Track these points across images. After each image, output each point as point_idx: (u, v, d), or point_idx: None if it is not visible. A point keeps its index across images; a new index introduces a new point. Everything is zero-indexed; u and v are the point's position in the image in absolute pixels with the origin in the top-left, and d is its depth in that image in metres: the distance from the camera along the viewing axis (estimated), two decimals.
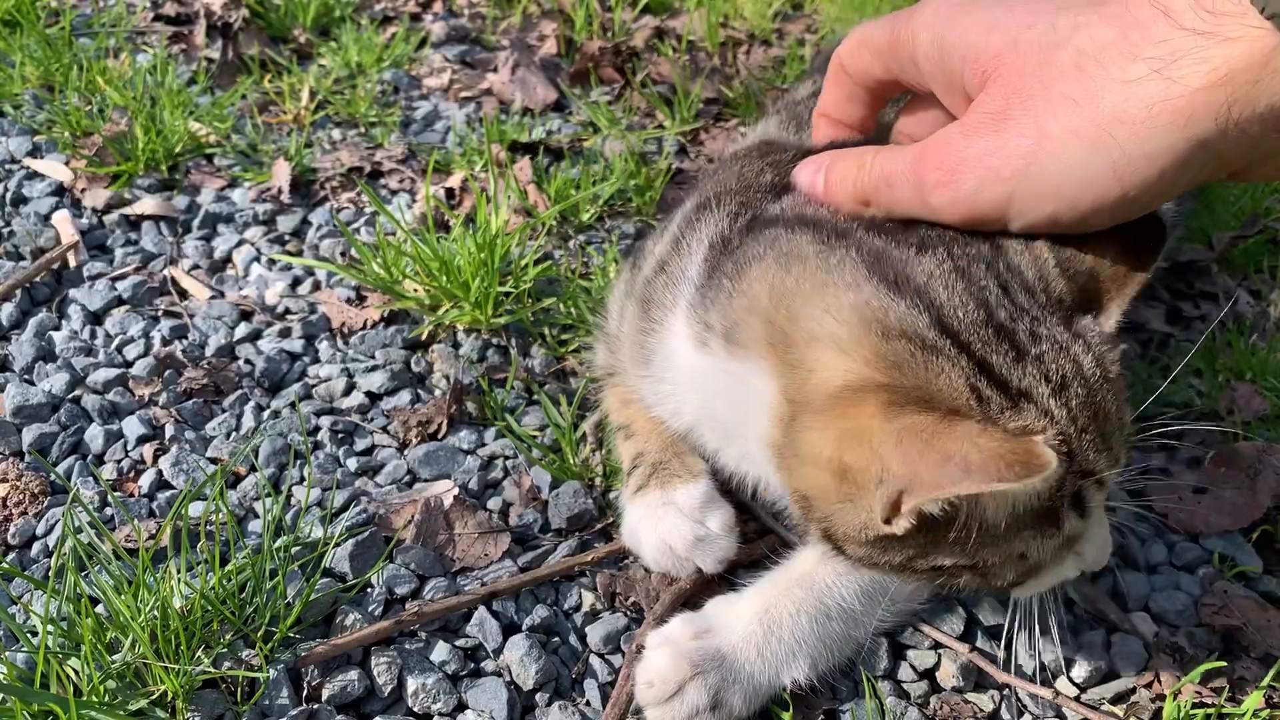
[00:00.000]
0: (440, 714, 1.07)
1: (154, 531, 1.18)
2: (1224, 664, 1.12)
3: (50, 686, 0.99)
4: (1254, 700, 1.07)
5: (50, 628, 1.01)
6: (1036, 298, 0.91)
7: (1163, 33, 0.79)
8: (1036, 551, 0.89)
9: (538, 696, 1.10)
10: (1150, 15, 0.80)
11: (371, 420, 1.41)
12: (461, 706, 1.08)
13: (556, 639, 1.15)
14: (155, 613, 1.04)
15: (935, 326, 0.86)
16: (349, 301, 1.59)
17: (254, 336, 1.53)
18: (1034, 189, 0.87)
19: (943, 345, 0.85)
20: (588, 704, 1.10)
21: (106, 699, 1.00)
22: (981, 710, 1.10)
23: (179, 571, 1.07)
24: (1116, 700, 1.13)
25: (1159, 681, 1.14)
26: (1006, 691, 1.13)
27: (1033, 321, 0.88)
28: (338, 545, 1.18)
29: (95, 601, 1.09)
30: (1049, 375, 0.86)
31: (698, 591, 1.17)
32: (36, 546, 1.21)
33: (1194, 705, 1.09)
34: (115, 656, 1.02)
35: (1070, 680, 1.15)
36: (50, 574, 1.06)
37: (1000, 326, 0.87)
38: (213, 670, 1.03)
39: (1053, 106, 0.84)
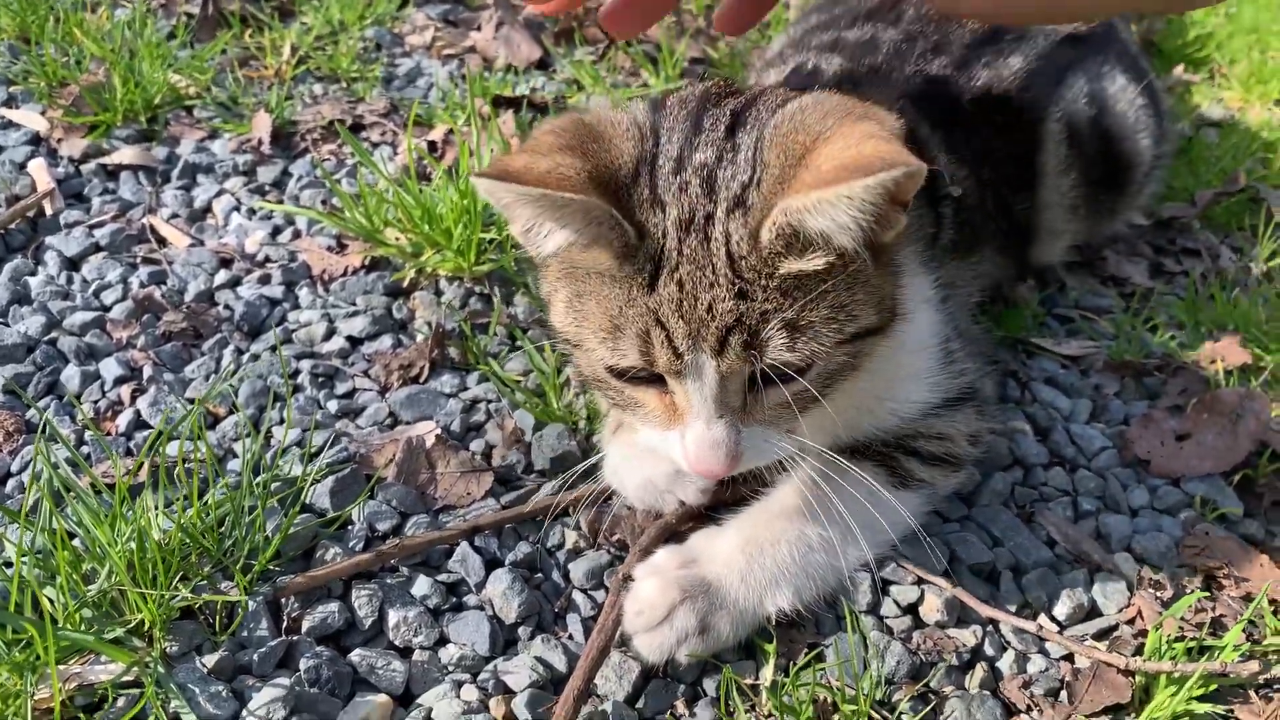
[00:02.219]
0: (422, 647, 1.06)
1: (131, 467, 1.17)
2: (1206, 593, 1.12)
3: (25, 614, 0.97)
4: (1234, 634, 1.08)
5: (25, 559, 1.00)
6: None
7: None
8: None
9: (520, 630, 1.09)
10: None
11: (352, 364, 1.39)
12: (443, 640, 1.07)
13: (539, 575, 1.14)
14: (132, 543, 1.02)
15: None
16: (330, 249, 1.58)
17: (233, 283, 1.52)
18: None
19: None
20: (570, 637, 1.09)
21: (82, 627, 0.98)
22: (964, 645, 1.10)
23: (157, 506, 1.06)
24: (1099, 636, 1.13)
25: (1141, 617, 1.14)
26: (990, 627, 1.13)
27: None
28: (318, 481, 1.16)
29: (71, 536, 1.08)
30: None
31: (681, 527, 1.16)
32: (11, 483, 1.20)
33: (1176, 638, 1.09)
34: (92, 586, 1.01)
35: (1052, 618, 1.15)
36: (23, 508, 1.04)
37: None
38: (191, 597, 1.01)
39: None
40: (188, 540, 1.06)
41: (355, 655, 1.03)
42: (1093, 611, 1.17)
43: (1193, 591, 1.16)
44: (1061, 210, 1.53)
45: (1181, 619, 1.12)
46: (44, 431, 1.21)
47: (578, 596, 1.13)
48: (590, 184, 0.90)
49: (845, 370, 0.98)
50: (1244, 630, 1.11)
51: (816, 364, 0.94)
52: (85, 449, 1.23)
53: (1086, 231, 1.66)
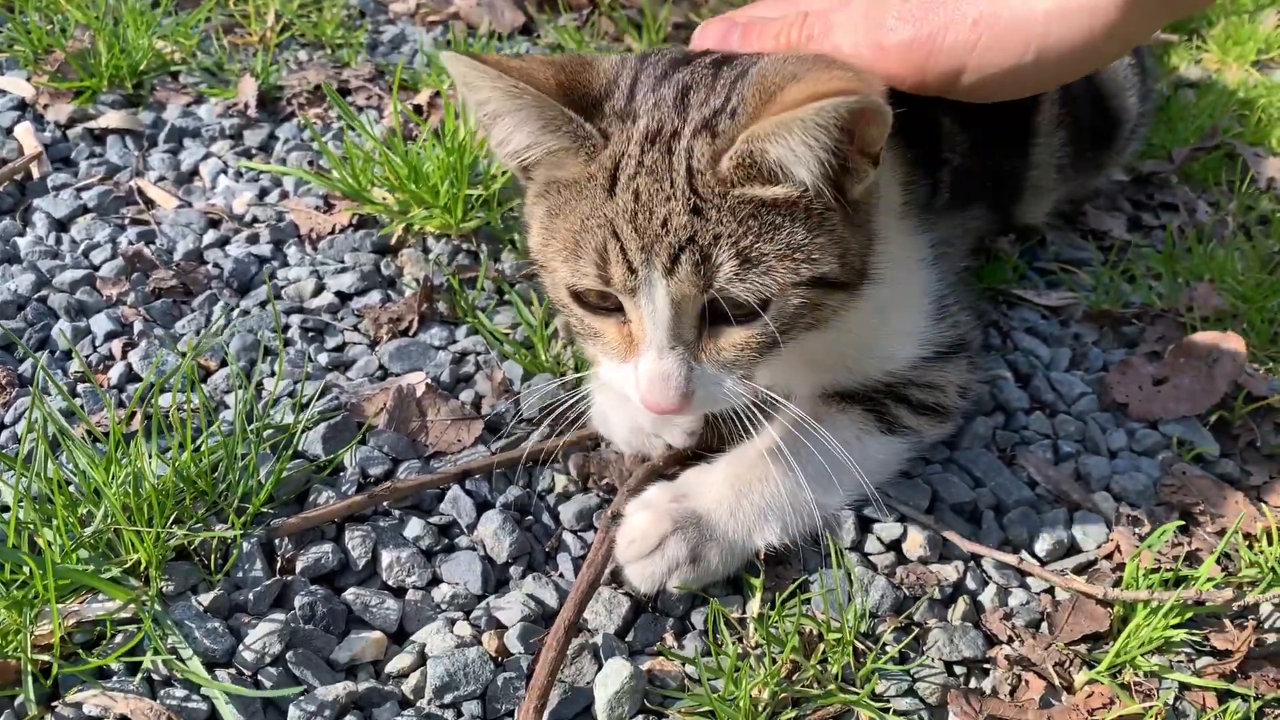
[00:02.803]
0: (415, 586, 1.08)
1: (124, 416, 1.18)
2: (1182, 523, 1.15)
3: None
4: (1208, 565, 1.10)
5: (22, 503, 1.01)
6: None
7: None
8: None
9: (511, 569, 1.11)
10: None
11: (342, 319, 1.41)
12: (436, 580, 1.09)
13: (530, 518, 1.16)
14: (128, 486, 1.04)
15: None
16: (317, 209, 1.59)
17: (222, 242, 1.53)
18: (1003, 36, 0.92)
19: None
20: (561, 576, 1.11)
21: (79, 567, 1.00)
22: (946, 580, 1.13)
23: (150, 452, 1.07)
24: (1079, 571, 1.16)
25: (1119, 552, 1.17)
26: (972, 562, 1.15)
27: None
28: (309, 429, 1.18)
29: (68, 483, 1.09)
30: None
31: (669, 470, 1.18)
32: (4, 435, 1.21)
33: (1152, 569, 1.11)
34: (88, 528, 1.02)
35: (1033, 554, 1.18)
36: (19, 454, 1.05)
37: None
38: (188, 534, 1.03)
39: None
40: (182, 484, 1.07)
41: (349, 594, 1.05)
42: (1072, 548, 1.19)
43: (1169, 524, 1.18)
44: (1050, 168, 1.54)
45: (1159, 553, 1.14)
46: (38, 382, 1.22)
47: (568, 537, 1.15)
48: (556, 89, 0.94)
49: (802, 319, 0.97)
50: (1219, 563, 1.13)
51: (771, 304, 0.94)
52: (78, 400, 1.24)
53: (1072, 189, 1.68)
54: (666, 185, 0.91)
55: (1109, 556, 1.17)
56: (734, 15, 1.07)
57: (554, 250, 0.97)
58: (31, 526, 1.01)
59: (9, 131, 1.70)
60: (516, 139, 0.95)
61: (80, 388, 1.26)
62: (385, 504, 1.14)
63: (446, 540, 1.13)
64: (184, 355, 1.30)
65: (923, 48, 0.96)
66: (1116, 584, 1.12)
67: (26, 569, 0.96)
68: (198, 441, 1.10)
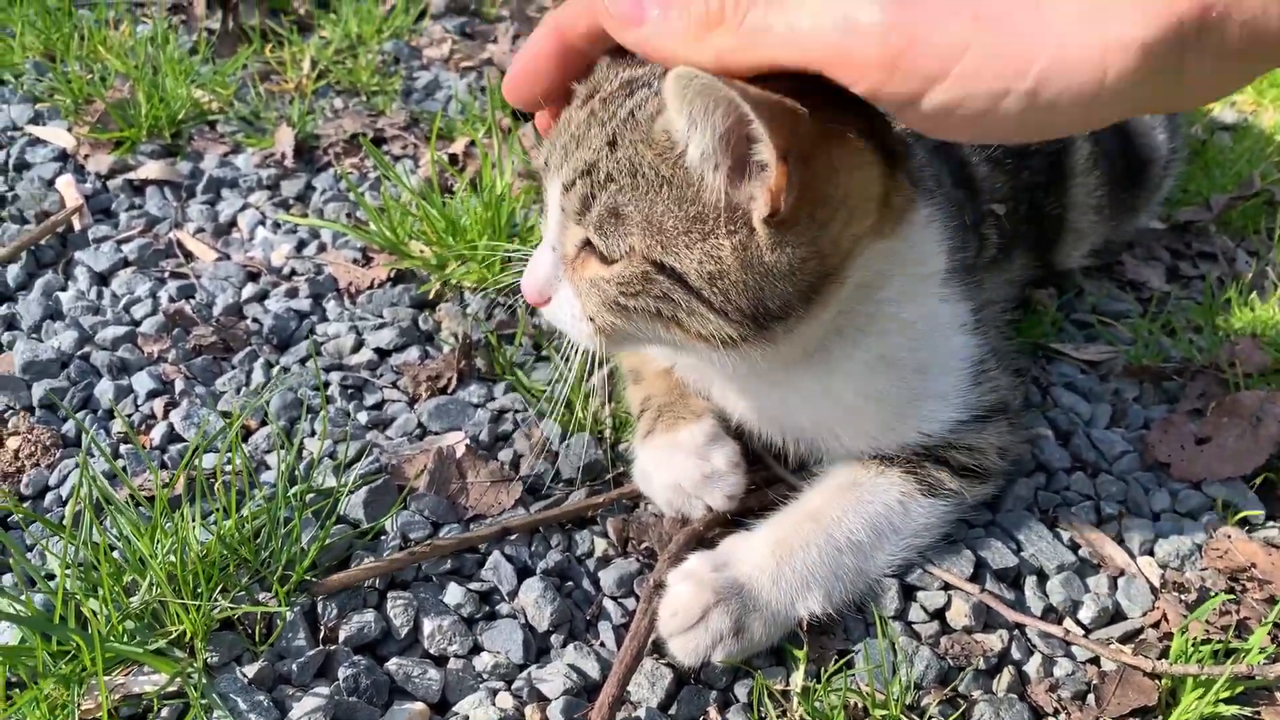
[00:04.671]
0: (456, 655, 1.08)
1: (168, 480, 1.19)
2: (1231, 596, 1.13)
3: (69, 626, 0.99)
4: (1259, 636, 1.09)
5: (69, 571, 1.02)
6: None
7: None
8: None
9: (553, 638, 1.11)
10: None
11: (381, 376, 1.41)
12: (478, 648, 1.09)
13: (570, 583, 1.16)
14: (173, 555, 1.04)
15: None
16: (355, 262, 1.60)
17: (261, 296, 1.54)
18: (1004, 45, 0.72)
19: None
20: (602, 645, 1.11)
21: (125, 639, 1.00)
22: (991, 649, 1.11)
23: (194, 517, 1.07)
24: (1125, 640, 1.15)
25: (1166, 621, 1.16)
26: (1016, 631, 1.14)
27: None
28: (352, 492, 1.18)
29: (111, 548, 1.09)
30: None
31: (709, 534, 1.18)
32: (50, 497, 1.22)
33: (1201, 642, 1.10)
34: (133, 598, 1.03)
35: (1077, 622, 1.17)
36: (65, 519, 1.06)
37: None
38: (231, 607, 1.03)
39: None
40: (226, 551, 1.07)
41: (392, 664, 1.05)
42: (1117, 615, 1.18)
43: (1216, 594, 1.17)
44: (1088, 209, 1.54)
45: (1206, 622, 1.13)
46: (84, 446, 1.23)
47: (608, 604, 1.14)
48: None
49: (649, 301, 0.96)
50: (1269, 633, 1.12)
51: (621, 262, 0.95)
52: (120, 462, 1.25)
53: (1109, 231, 1.67)
54: (607, 116, 0.94)
55: (1155, 625, 1.16)
56: None
57: (549, 138, 1.04)
58: (77, 597, 1.02)
59: (51, 183, 1.73)
60: None
61: (123, 448, 1.27)
62: (424, 564, 1.14)
63: (487, 607, 1.13)
64: (225, 416, 1.31)
65: (903, 36, 0.73)
66: (1164, 654, 1.11)
67: (73, 643, 0.96)
68: (241, 508, 1.10)
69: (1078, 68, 0.71)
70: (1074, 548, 1.25)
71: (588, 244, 0.97)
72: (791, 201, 0.87)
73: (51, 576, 1.08)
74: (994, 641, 1.12)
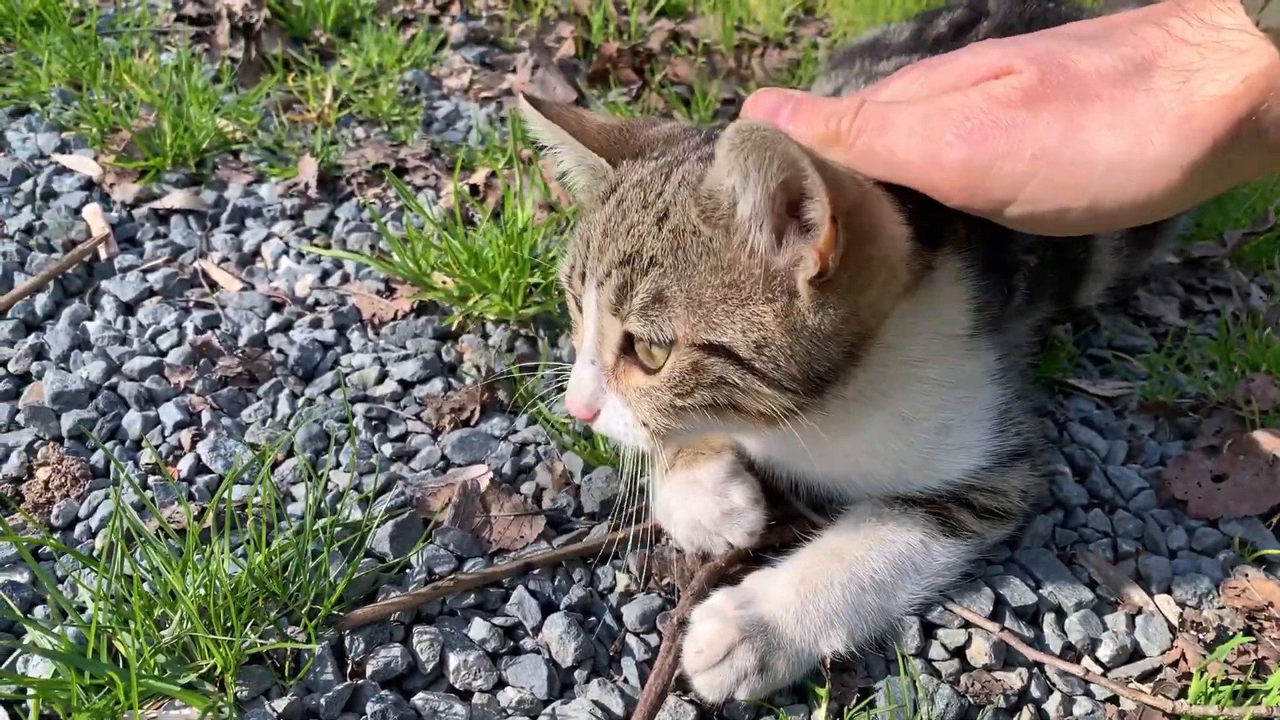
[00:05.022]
0: (481, 690, 1.09)
1: (198, 512, 1.20)
2: (1249, 639, 1.14)
3: (102, 660, 1.01)
4: (1278, 677, 1.09)
5: (101, 604, 1.03)
6: None
7: (1176, 48, 0.84)
8: None
9: (576, 674, 1.12)
10: (1159, 35, 0.85)
11: (404, 408, 1.43)
12: (502, 683, 1.10)
13: (593, 618, 1.17)
14: (203, 589, 1.05)
15: None
16: (379, 293, 1.62)
17: (286, 327, 1.56)
18: (1059, 177, 0.86)
19: None
20: (625, 681, 1.12)
21: (158, 672, 1.01)
22: (1011, 688, 1.12)
23: (223, 551, 1.09)
24: (1143, 679, 1.15)
25: (1185, 660, 1.16)
26: (1036, 669, 1.15)
27: None
28: (379, 526, 1.20)
29: (142, 580, 1.11)
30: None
31: (731, 570, 1.19)
32: (79, 528, 1.23)
33: (1220, 682, 1.11)
34: (164, 631, 1.04)
35: (1096, 660, 1.17)
36: (101, 553, 1.08)
37: None
38: (261, 643, 1.04)
39: (1087, 101, 0.85)
40: (255, 585, 1.09)
41: (419, 699, 1.06)
42: (1135, 653, 1.19)
43: (1235, 634, 1.18)
44: (1109, 250, 1.54)
45: (1225, 662, 1.14)
46: (115, 477, 1.25)
47: (631, 640, 1.16)
48: (594, 134, 1.10)
49: (703, 391, 0.97)
50: None
51: (671, 355, 0.97)
52: (149, 494, 1.27)
53: (1126, 268, 1.68)
54: (639, 206, 0.98)
55: (1174, 664, 1.17)
56: (793, 91, 1.01)
57: (569, 243, 1.09)
58: (110, 630, 1.03)
59: (77, 212, 1.75)
60: (563, 165, 1.15)
61: (151, 480, 1.28)
62: (449, 599, 1.15)
63: (512, 642, 1.14)
64: (252, 448, 1.32)
65: (977, 171, 0.89)
66: (1182, 694, 1.12)
67: (106, 677, 0.98)
68: (270, 543, 1.12)
69: (1126, 189, 0.86)
70: (1092, 585, 1.26)
71: (627, 350, 1.00)
72: (837, 262, 0.89)
73: (83, 609, 1.10)
74: (1014, 680, 1.13)
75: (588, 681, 1.11)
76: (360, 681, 1.07)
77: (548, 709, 1.08)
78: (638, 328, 0.96)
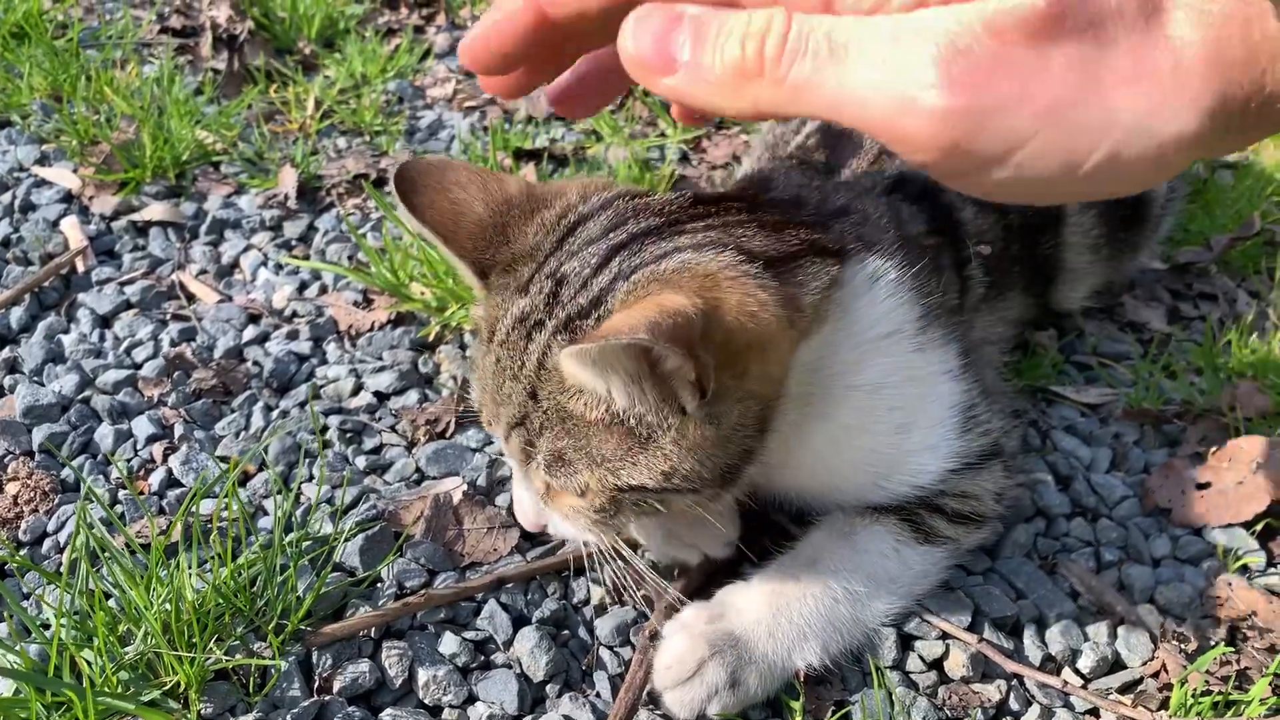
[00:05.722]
0: (451, 706, 1.07)
1: (165, 527, 1.19)
2: (1231, 649, 1.13)
3: (64, 678, 0.99)
4: (1260, 688, 1.08)
5: (64, 620, 1.02)
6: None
7: None
8: None
9: (548, 688, 1.10)
10: None
11: (380, 420, 1.41)
12: (472, 698, 1.09)
13: (566, 632, 1.16)
14: (168, 605, 1.04)
15: None
16: (356, 304, 1.61)
17: (262, 339, 1.54)
18: (1064, 138, 0.70)
19: None
20: (598, 695, 1.10)
21: (119, 690, 1.00)
22: (989, 700, 1.11)
23: (190, 566, 1.08)
24: (1124, 690, 1.14)
25: (1165, 671, 1.15)
26: (1015, 681, 1.13)
27: None
28: (348, 540, 1.18)
29: (107, 596, 1.10)
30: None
31: (705, 582, 1.17)
32: (48, 543, 1.22)
33: (1201, 693, 1.09)
34: (128, 648, 1.03)
35: (1076, 671, 1.16)
36: (64, 569, 1.07)
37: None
38: (226, 659, 1.03)
39: (1105, 47, 0.69)
40: (221, 601, 1.08)
41: (386, 715, 1.05)
42: (1117, 664, 1.17)
43: (1217, 644, 1.16)
44: (1084, 249, 1.53)
45: (1206, 672, 1.12)
46: (84, 493, 1.24)
47: (604, 654, 1.14)
48: (473, 240, 1.05)
49: (633, 509, 1.00)
50: (1270, 684, 1.11)
51: (588, 495, 0.98)
52: (119, 508, 1.25)
53: (1108, 272, 1.67)
54: (517, 366, 0.97)
55: (1155, 675, 1.15)
56: (687, 6, 0.74)
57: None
58: (72, 648, 1.02)
59: (55, 224, 1.74)
60: (452, 264, 1.12)
61: (121, 494, 1.27)
62: (419, 614, 1.14)
63: (483, 657, 1.12)
64: (224, 461, 1.31)
65: (967, 124, 0.69)
66: (1163, 705, 1.10)
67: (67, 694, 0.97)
68: (237, 557, 1.11)
69: (1135, 161, 0.71)
70: (1074, 595, 1.24)
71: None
72: (712, 376, 0.90)
73: (47, 625, 1.08)
74: (992, 692, 1.12)
75: (559, 696, 1.09)
76: (328, 698, 1.05)
77: None
78: (549, 480, 0.99)
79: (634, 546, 1.23)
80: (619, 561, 1.07)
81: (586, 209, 1.04)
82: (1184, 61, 0.68)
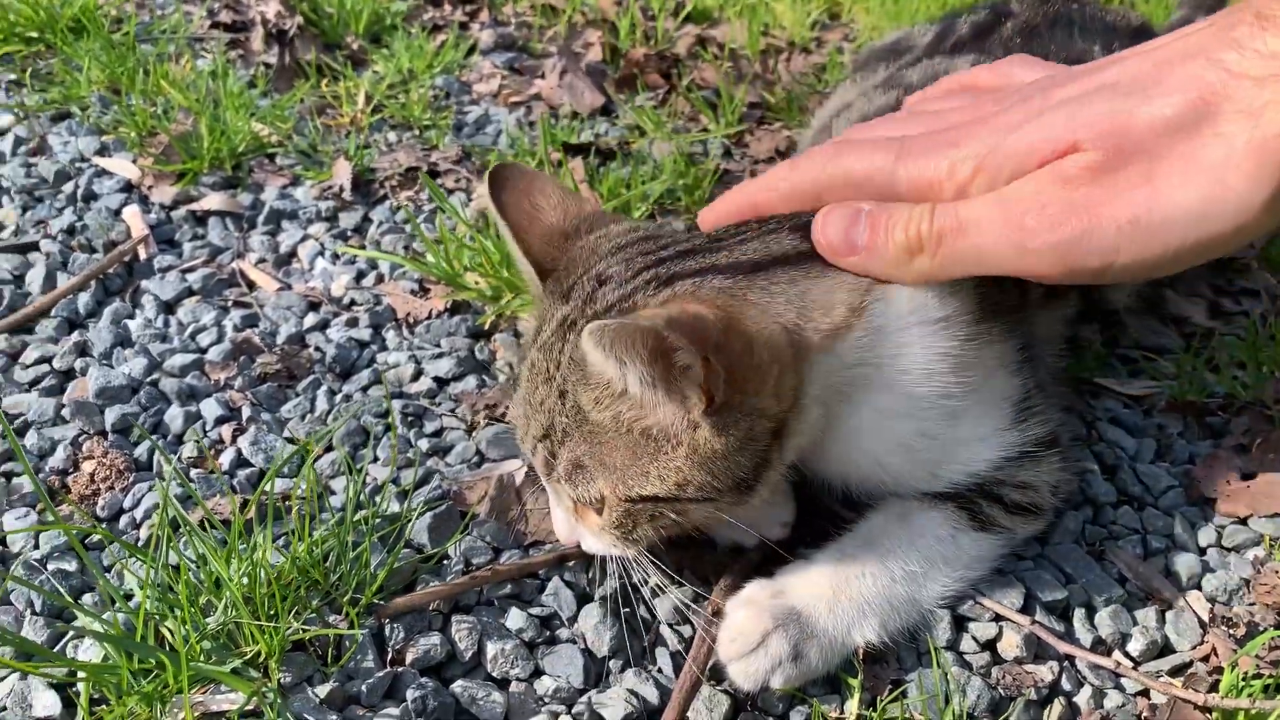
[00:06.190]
0: (518, 678, 1.11)
1: (243, 503, 1.23)
2: (1278, 630, 1.15)
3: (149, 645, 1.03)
4: None
5: (148, 591, 1.06)
6: None
7: (1238, 84, 0.87)
8: None
9: (611, 663, 1.13)
10: (1217, 75, 0.88)
11: (439, 404, 1.45)
12: (538, 672, 1.12)
13: (627, 609, 1.19)
14: (246, 577, 1.08)
15: None
16: (413, 293, 1.64)
17: (322, 326, 1.58)
18: (1146, 238, 0.91)
19: None
20: (660, 671, 1.13)
21: (203, 659, 1.04)
22: (1042, 680, 1.13)
23: (264, 540, 1.11)
24: (1174, 673, 1.16)
25: (1215, 655, 1.17)
26: (1067, 663, 1.16)
27: None
28: (419, 517, 1.22)
29: (186, 568, 1.13)
30: None
31: (763, 563, 1.20)
32: (124, 519, 1.26)
33: (1252, 676, 1.11)
34: (209, 618, 1.07)
35: (1126, 654, 1.18)
36: (151, 542, 1.10)
37: None
38: (306, 630, 1.07)
39: (1156, 162, 0.90)
40: (297, 574, 1.11)
41: (457, 686, 1.08)
42: (1166, 648, 1.20)
43: (1266, 630, 1.18)
44: None
45: (1256, 657, 1.14)
46: (159, 469, 1.28)
47: (665, 631, 1.17)
48: (534, 237, 1.16)
49: (651, 521, 1.05)
50: None
51: (607, 508, 1.04)
52: (191, 486, 1.29)
53: None
54: (552, 367, 1.04)
55: (1205, 659, 1.17)
56: (860, 204, 1.04)
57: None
58: (157, 617, 1.06)
59: (117, 213, 1.78)
60: (518, 264, 1.20)
61: (193, 473, 1.31)
62: (486, 588, 1.18)
63: (548, 632, 1.16)
64: (291, 442, 1.35)
65: (1068, 251, 0.94)
66: (1214, 688, 1.12)
67: (154, 661, 1.00)
68: (311, 533, 1.14)
69: (1208, 233, 0.90)
70: (1121, 581, 1.26)
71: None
72: (722, 387, 0.94)
73: (129, 596, 1.12)
74: (1045, 673, 1.14)
75: (622, 671, 1.13)
76: (400, 669, 1.09)
77: (584, 698, 1.09)
78: (569, 491, 1.05)
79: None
80: (646, 569, 1.12)
81: (644, 231, 1.13)
82: (1235, 147, 0.86)
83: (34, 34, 2.22)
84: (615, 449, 1.00)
